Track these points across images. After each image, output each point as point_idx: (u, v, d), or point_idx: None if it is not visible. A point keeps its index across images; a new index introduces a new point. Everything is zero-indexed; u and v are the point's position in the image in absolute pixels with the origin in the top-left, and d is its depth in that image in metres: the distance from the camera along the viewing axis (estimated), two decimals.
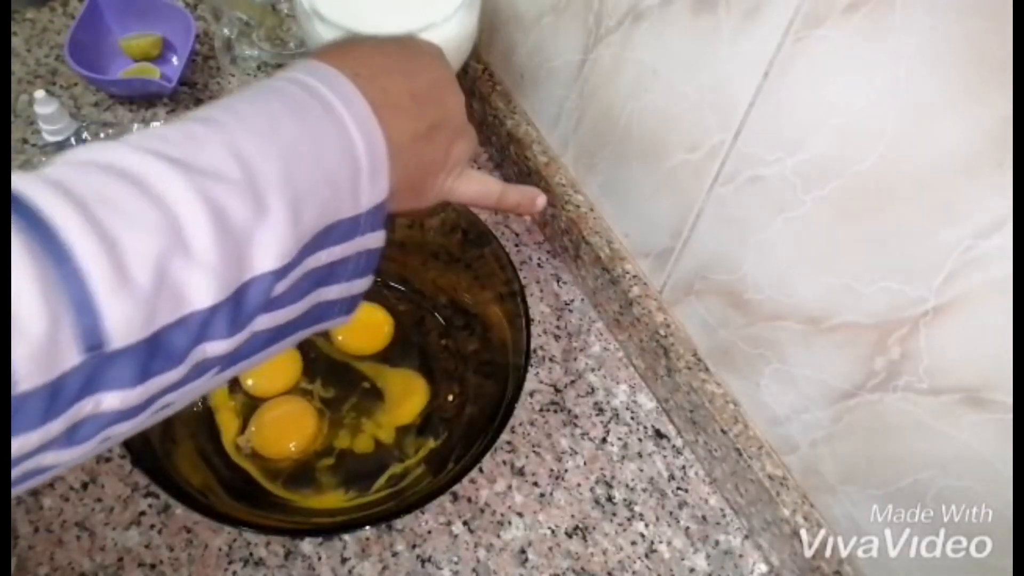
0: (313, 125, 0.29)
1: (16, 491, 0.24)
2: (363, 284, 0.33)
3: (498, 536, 0.53)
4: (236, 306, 0.26)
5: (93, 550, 0.49)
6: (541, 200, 0.44)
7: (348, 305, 0.34)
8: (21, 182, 0.23)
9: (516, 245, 0.66)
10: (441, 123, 0.36)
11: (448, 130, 0.36)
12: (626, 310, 0.58)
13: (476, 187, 0.41)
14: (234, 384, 0.55)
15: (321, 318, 0.32)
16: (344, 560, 0.51)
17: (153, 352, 0.24)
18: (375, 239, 0.32)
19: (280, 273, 0.27)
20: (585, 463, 0.56)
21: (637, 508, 0.55)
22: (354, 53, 0.34)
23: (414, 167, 0.34)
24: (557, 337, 0.62)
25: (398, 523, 0.52)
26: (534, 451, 0.56)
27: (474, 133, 0.40)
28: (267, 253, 0.27)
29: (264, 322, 0.28)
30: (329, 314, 0.33)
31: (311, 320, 0.32)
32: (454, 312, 0.59)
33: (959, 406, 0.37)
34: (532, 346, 0.51)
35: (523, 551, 0.52)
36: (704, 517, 0.55)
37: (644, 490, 0.56)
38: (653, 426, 0.58)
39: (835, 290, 0.41)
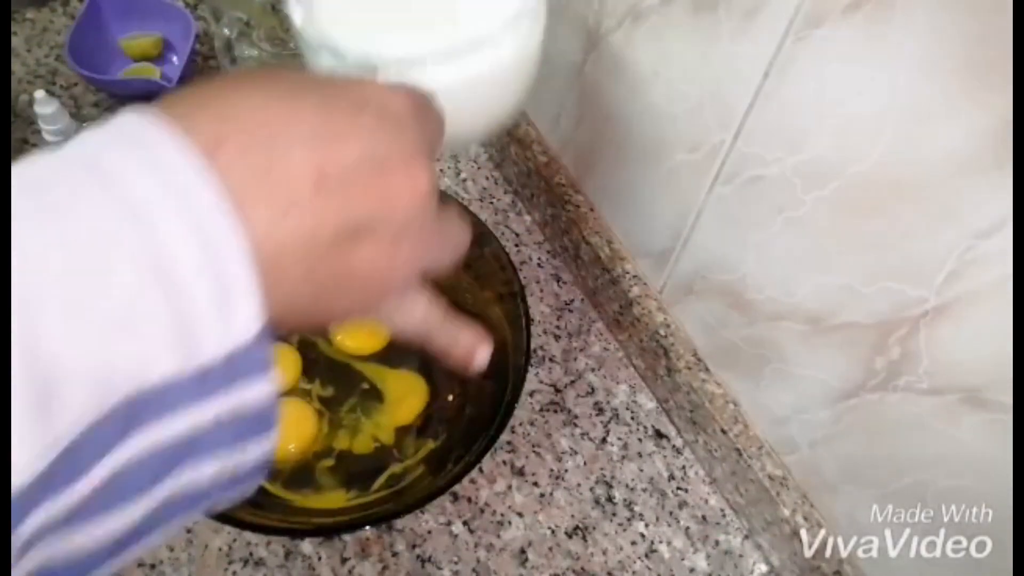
0: (88, 228, 0.18)
1: None
2: (263, 447, 0.23)
3: (498, 536, 0.53)
4: None
5: None
6: (481, 357, 0.32)
7: (248, 476, 0.23)
8: None
9: (516, 245, 0.66)
10: (372, 223, 0.23)
11: (385, 233, 0.24)
12: (626, 310, 0.58)
13: (418, 318, 0.30)
14: None
15: (200, 501, 0.22)
16: (344, 560, 0.51)
17: None
18: (256, 391, 0.21)
19: (46, 484, 0.17)
20: (585, 463, 0.56)
21: (637, 508, 0.55)
22: (231, 104, 0.22)
23: (312, 288, 0.23)
24: (557, 337, 0.62)
25: (398, 523, 0.52)
26: (534, 451, 0.56)
27: (446, 234, 0.29)
28: None
29: (68, 545, 0.19)
30: (217, 495, 0.22)
31: (184, 508, 0.22)
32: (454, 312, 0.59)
33: (959, 406, 0.37)
34: (532, 346, 0.51)
35: (523, 551, 0.52)
36: (704, 517, 0.55)
37: (644, 490, 0.56)
38: (653, 426, 0.58)
39: (835, 290, 0.41)
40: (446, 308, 0.32)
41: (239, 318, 0.20)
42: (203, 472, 0.21)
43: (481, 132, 0.44)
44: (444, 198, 0.35)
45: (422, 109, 0.27)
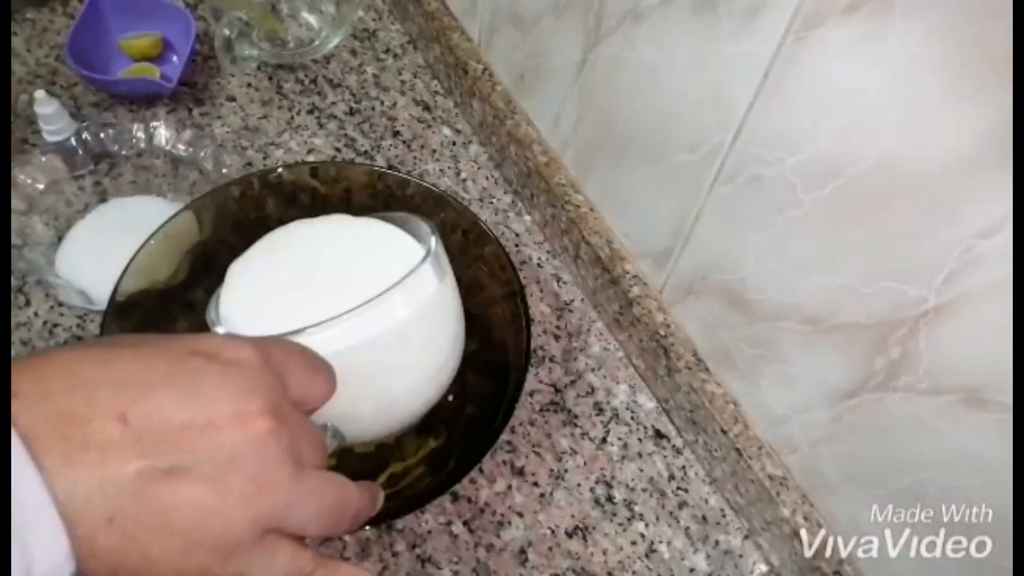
0: None
1: None
2: None
3: (498, 536, 0.53)
4: None
5: None
6: None
7: None
8: None
9: (516, 245, 0.66)
10: (187, 463, 0.23)
11: (205, 472, 0.23)
12: (626, 310, 0.58)
13: (278, 573, 0.26)
14: None
15: None
16: (344, 560, 0.51)
17: None
18: None
19: None
20: (585, 463, 0.56)
21: (637, 508, 0.55)
22: (48, 359, 0.23)
23: (119, 530, 0.22)
24: (557, 337, 0.62)
25: (398, 523, 0.52)
26: (534, 451, 0.56)
27: (312, 486, 0.27)
28: None
29: None
30: None
31: None
32: None
33: (959, 406, 0.37)
34: (532, 346, 0.51)
35: (523, 551, 0.52)
36: (704, 517, 0.55)
37: (644, 490, 0.56)
38: (653, 426, 0.58)
39: (835, 290, 0.41)
40: (315, 557, 0.27)
41: (38, 554, 0.20)
42: None
43: (399, 401, 0.45)
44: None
45: (277, 360, 0.27)
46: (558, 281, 0.65)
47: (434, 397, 0.46)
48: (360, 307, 0.38)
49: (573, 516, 0.54)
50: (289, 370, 0.28)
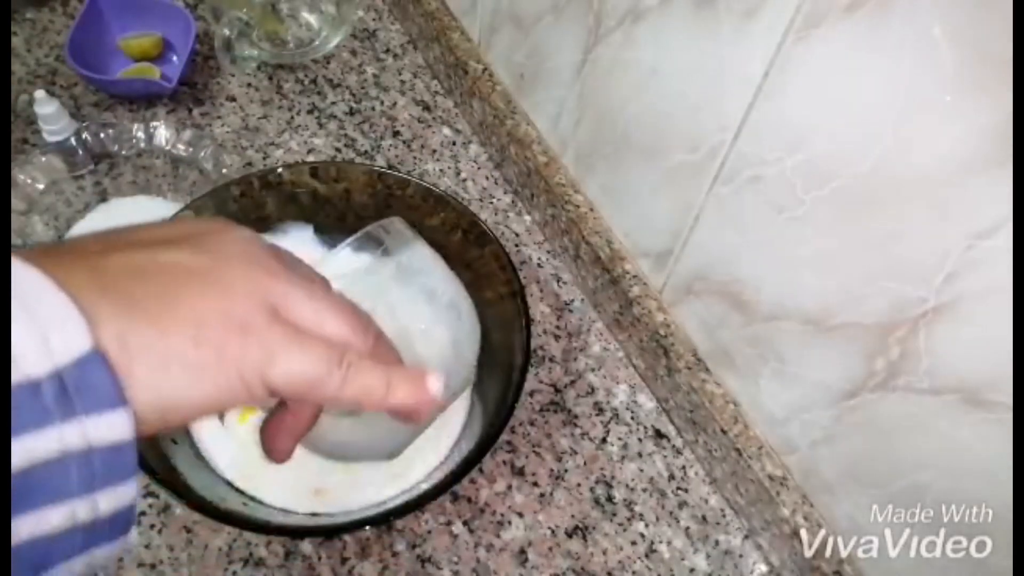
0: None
1: None
2: (110, 550, 0.22)
3: (498, 536, 0.53)
4: None
5: None
6: (433, 384, 0.27)
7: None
8: None
9: (516, 245, 0.66)
10: (187, 247, 0.24)
11: (197, 251, 0.24)
12: (626, 310, 0.58)
13: (302, 366, 0.25)
14: None
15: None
16: (344, 560, 0.51)
17: None
18: (115, 496, 0.21)
19: None
20: (585, 463, 0.56)
21: (637, 508, 0.55)
22: (77, 243, 0.24)
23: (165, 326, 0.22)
24: (557, 337, 0.62)
25: (398, 523, 0.52)
26: (534, 451, 0.56)
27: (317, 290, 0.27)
28: None
29: None
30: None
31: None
32: None
33: (959, 406, 0.37)
34: (532, 346, 0.51)
35: (523, 551, 0.52)
36: (704, 517, 0.55)
37: (644, 490, 0.56)
38: (653, 426, 0.58)
39: (835, 290, 0.41)
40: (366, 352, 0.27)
41: (45, 317, 0.20)
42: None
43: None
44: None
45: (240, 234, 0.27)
46: (558, 281, 0.65)
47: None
48: None
49: (573, 516, 0.54)
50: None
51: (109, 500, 0.21)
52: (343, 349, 0.25)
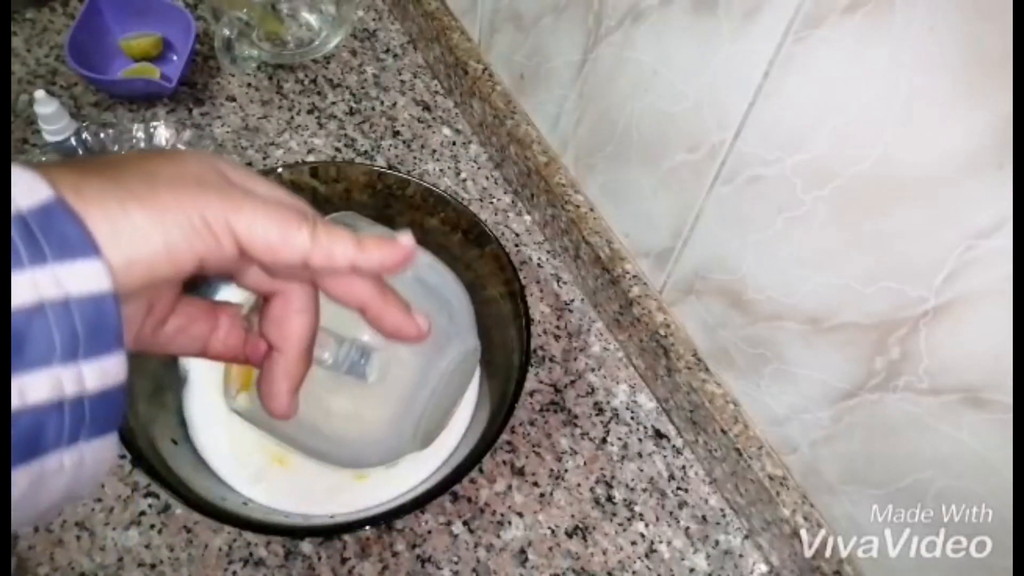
0: None
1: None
2: (100, 450, 0.21)
3: (498, 536, 0.53)
4: None
5: (93, 550, 0.49)
6: (405, 242, 0.26)
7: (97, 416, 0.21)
8: None
9: (516, 245, 0.66)
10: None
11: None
12: (626, 310, 0.58)
13: (268, 218, 0.24)
14: None
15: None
16: (344, 560, 0.51)
17: None
18: (101, 370, 0.20)
19: None
20: (585, 463, 0.56)
21: (637, 508, 0.55)
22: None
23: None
24: (557, 337, 0.62)
25: (398, 523, 0.52)
26: (534, 451, 0.56)
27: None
28: None
29: None
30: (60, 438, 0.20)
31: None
32: None
33: (959, 406, 0.37)
34: (532, 346, 0.51)
35: (523, 551, 0.52)
36: (704, 517, 0.55)
37: (644, 490, 0.56)
38: (653, 426, 0.58)
39: (835, 290, 0.41)
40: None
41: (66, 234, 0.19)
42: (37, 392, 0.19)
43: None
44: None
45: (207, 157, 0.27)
46: (558, 281, 0.65)
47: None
48: None
49: (573, 516, 0.54)
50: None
51: (95, 373, 0.20)
52: (304, 211, 0.25)
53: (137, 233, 0.21)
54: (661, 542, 0.54)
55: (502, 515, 0.53)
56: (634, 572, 0.52)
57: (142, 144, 0.61)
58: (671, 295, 0.56)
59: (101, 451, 0.21)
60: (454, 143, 0.72)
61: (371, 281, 0.27)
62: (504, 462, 0.56)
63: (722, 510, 0.55)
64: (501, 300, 0.54)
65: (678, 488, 0.56)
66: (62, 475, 0.20)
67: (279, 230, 0.24)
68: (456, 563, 0.51)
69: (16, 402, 0.19)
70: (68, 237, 0.19)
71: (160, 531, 0.50)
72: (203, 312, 0.28)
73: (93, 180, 0.21)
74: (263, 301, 0.28)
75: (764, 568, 0.54)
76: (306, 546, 0.51)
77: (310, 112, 0.72)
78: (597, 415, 0.58)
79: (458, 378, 0.48)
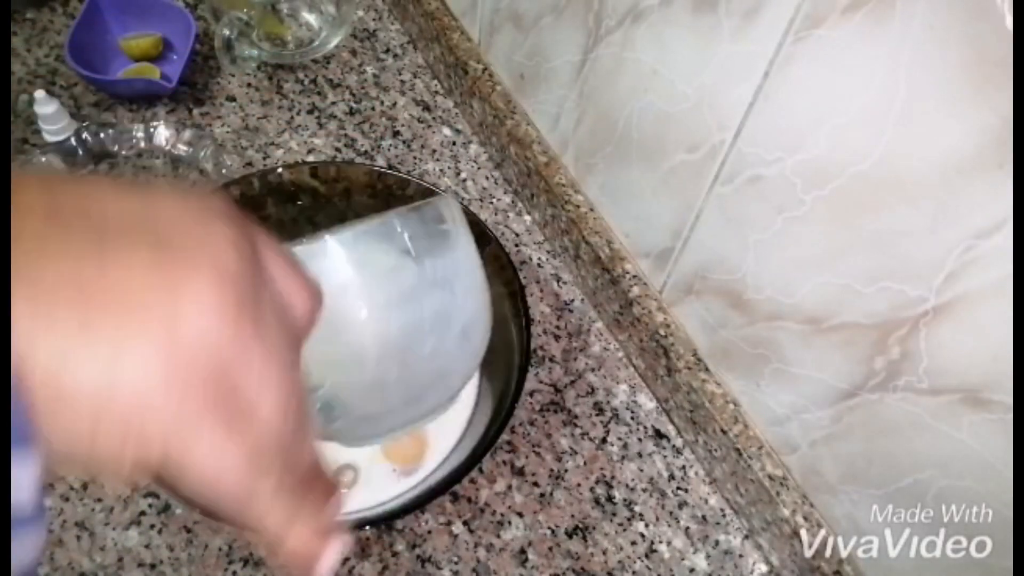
0: None
1: None
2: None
3: (498, 536, 0.53)
4: None
5: (93, 550, 0.49)
6: (331, 553, 0.22)
7: None
8: None
9: (516, 245, 0.66)
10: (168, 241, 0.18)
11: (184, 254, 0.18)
12: (626, 310, 0.58)
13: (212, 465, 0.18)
14: None
15: None
16: (344, 560, 0.51)
17: None
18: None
19: None
20: (585, 463, 0.56)
21: (637, 508, 0.55)
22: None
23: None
24: (557, 337, 0.62)
25: (398, 523, 0.52)
26: (534, 451, 0.56)
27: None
28: None
29: None
30: None
31: None
32: None
33: (959, 406, 0.37)
34: (532, 346, 0.51)
35: (523, 551, 0.52)
36: (704, 517, 0.55)
37: (644, 490, 0.56)
38: (653, 426, 0.58)
39: (835, 290, 0.41)
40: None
41: None
42: None
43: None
44: None
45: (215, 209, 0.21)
46: (558, 281, 0.65)
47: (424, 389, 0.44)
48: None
49: (573, 516, 0.54)
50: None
51: None
52: (268, 453, 0.20)
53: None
54: (661, 542, 0.54)
55: (502, 515, 0.53)
56: (634, 572, 0.52)
57: (142, 144, 0.62)
58: (671, 295, 0.56)
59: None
60: (454, 143, 0.72)
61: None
62: (504, 462, 0.56)
63: (722, 510, 0.55)
64: (501, 300, 0.54)
65: (678, 488, 0.56)
66: None
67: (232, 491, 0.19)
68: (456, 563, 0.51)
69: None
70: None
71: (160, 531, 0.50)
72: None
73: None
74: None
75: (764, 568, 0.54)
76: None
77: (310, 112, 0.72)
78: (597, 415, 0.58)
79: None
